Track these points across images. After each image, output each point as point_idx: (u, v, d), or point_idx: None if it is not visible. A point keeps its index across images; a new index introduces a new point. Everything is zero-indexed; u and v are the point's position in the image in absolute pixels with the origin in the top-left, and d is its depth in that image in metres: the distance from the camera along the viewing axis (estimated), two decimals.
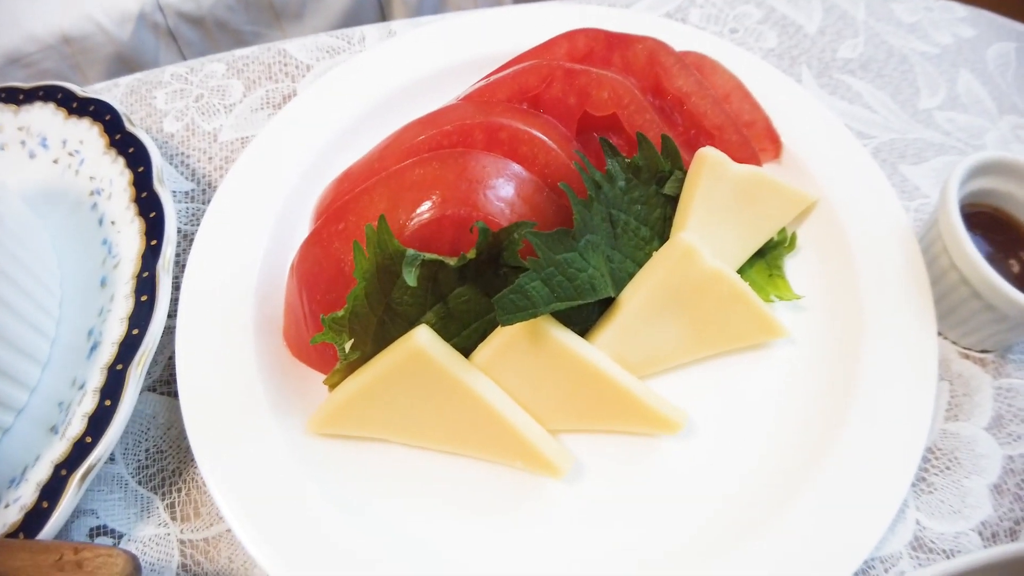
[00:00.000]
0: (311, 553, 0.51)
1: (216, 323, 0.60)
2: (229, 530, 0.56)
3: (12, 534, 0.54)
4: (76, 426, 0.57)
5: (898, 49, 0.79)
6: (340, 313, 0.53)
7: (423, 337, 0.52)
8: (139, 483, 0.59)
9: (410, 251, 0.52)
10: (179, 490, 0.58)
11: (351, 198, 0.56)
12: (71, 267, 0.67)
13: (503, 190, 0.55)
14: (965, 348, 0.63)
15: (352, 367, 0.55)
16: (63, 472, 0.55)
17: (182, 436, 0.60)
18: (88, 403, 0.57)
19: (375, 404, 0.55)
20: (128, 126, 0.68)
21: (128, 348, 0.58)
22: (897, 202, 0.64)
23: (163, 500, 0.58)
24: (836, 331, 0.61)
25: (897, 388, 0.57)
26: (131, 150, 0.67)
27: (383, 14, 1.46)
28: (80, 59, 1.38)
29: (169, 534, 0.57)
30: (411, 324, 0.54)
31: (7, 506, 0.56)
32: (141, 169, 0.66)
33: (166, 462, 0.59)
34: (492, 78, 0.61)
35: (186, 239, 0.67)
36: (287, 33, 1.42)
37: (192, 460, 0.59)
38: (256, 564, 0.54)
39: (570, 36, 0.62)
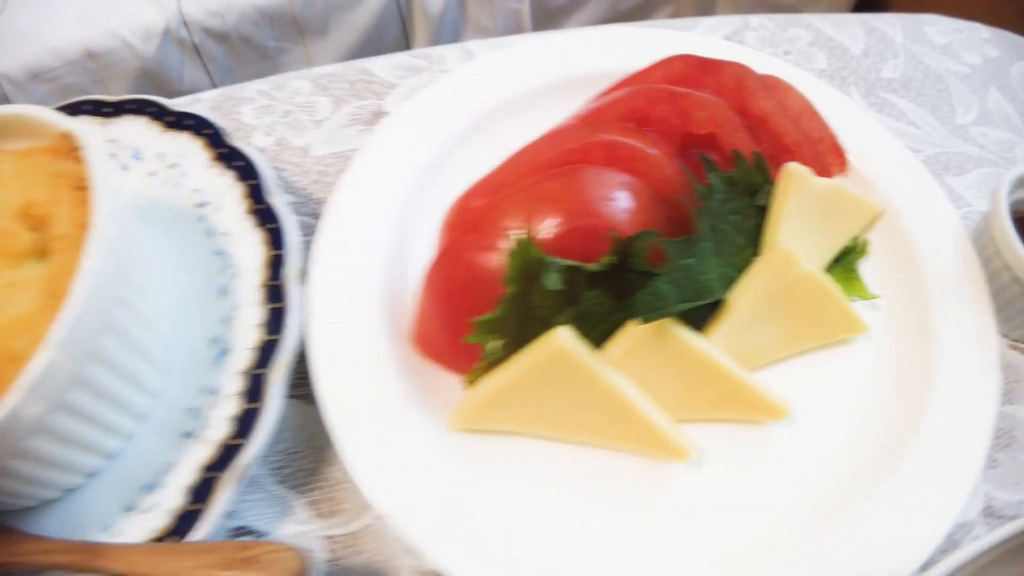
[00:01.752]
0: (470, 540, 0.52)
1: (347, 328, 0.61)
2: (370, 525, 0.57)
3: (161, 538, 0.55)
4: (220, 429, 0.57)
5: (934, 69, 0.85)
6: (492, 316, 0.55)
7: (565, 336, 0.55)
8: (277, 483, 0.59)
9: (552, 258, 0.54)
10: (318, 488, 0.59)
11: (484, 211, 0.58)
12: (181, 277, 0.67)
13: (626, 202, 0.58)
14: (1014, 340, 0.68)
15: (491, 366, 0.57)
16: (211, 474, 0.56)
17: (315, 436, 0.61)
18: (228, 407, 0.58)
19: (516, 400, 0.57)
20: (231, 140, 0.69)
21: (266, 353, 0.59)
22: (952, 210, 0.69)
23: (302, 498, 0.59)
24: (908, 327, 0.66)
25: (966, 376, 0.62)
26: (238, 163, 0.68)
27: (405, 31, 1.47)
28: (104, 74, 1.36)
29: (311, 531, 0.58)
30: (546, 325, 0.56)
31: (146, 512, 0.56)
32: (253, 182, 0.66)
33: (302, 462, 0.60)
34: (605, 99, 0.64)
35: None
36: (311, 49, 1.43)
37: (327, 459, 0.60)
38: (401, 556, 0.56)
39: (668, 62, 0.65)
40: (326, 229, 0.65)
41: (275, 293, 0.62)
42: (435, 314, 0.59)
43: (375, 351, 0.61)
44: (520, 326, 0.56)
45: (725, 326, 0.60)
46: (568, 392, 0.56)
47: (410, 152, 0.69)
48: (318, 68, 0.79)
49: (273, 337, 0.60)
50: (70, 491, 0.59)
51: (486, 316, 0.55)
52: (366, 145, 0.68)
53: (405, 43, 1.44)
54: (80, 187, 0.57)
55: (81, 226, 0.55)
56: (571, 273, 0.56)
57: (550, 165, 0.59)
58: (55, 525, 0.57)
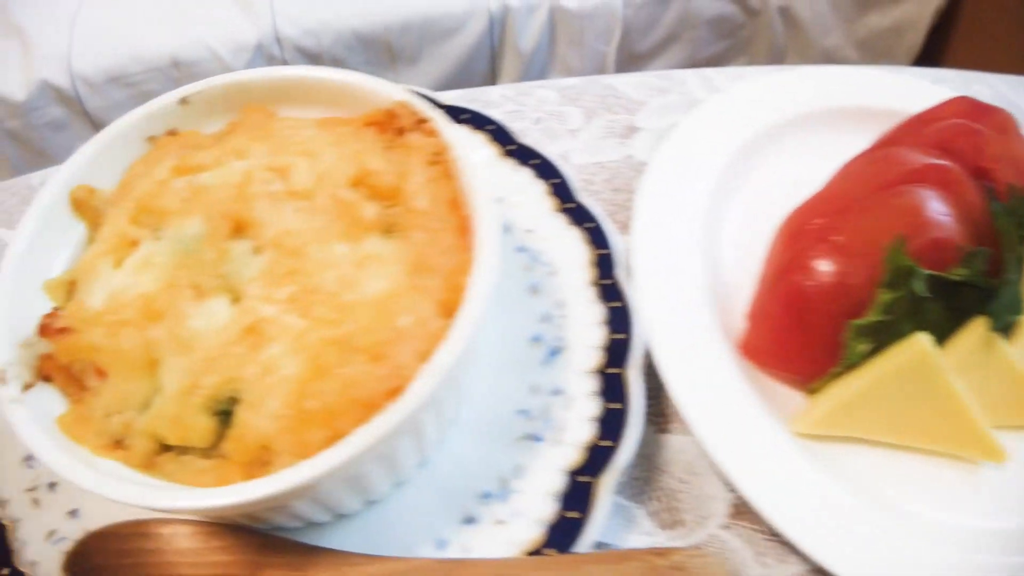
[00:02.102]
0: (840, 537, 0.51)
1: (681, 329, 0.59)
2: (715, 535, 0.55)
3: (536, 551, 0.50)
4: (580, 431, 0.54)
5: None
6: (866, 320, 0.54)
7: (926, 342, 0.55)
8: (615, 493, 0.56)
9: (919, 268, 0.55)
10: (655, 498, 0.56)
11: (828, 227, 0.59)
12: None
13: (964, 221, 0.59)
14: None
15: (843, 373, 0.57)
16: (582, 479, 0.52)
17: (646, 444, 0.58)
18: (586, 407, 0.54)
19: (868, 404, 0.56)
20: (520, 137, 0.66)
21: (616, 352, 0.56)
22: None
23: (642, 508, 0.56)
24: None
25: None
26: (533, 161, 0.66)
27: (493, 66, 1.48)
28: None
29: (657, 542, 0.54)
30: (894, 332, 0.56)
31: (502, 523, 0.52)
32: (557, 181, 0.64)
33: (635, 471, 0.57)
34: (913, 129, 0.66)
35: None
36: (400, 76, 1.40)
37: (658, 466, 0.57)
38: (751, 565, 0.53)
39: (953, 102, 0.68)
40: (640, 233, 0.63)
41: (609, 292, 0.59)
42: (781, 321, 0.58)
43: (713, 353, 0.59)
44: (887, 331, 0.56)
45: None
46: (917, 397, 0.55)
47: (700, 165, 0.68)
48: (560, 80, 0.78)
49: (620, 336, 0.57)
50: (370, 503, 0.54)
51: (862, 320, 0.55)
52: (656, 158, 0.67)
53: (492, 77, 1.44)
54: (435, 161, 0.53)
55: (445, 204, 0.52)
56: (931, 282, 0.56)
57: (888, 185, 0.60)
58: (357, 541, 0.51)
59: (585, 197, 0.63)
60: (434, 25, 1.36)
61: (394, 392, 0.43)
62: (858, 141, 0.70)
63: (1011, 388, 0.59)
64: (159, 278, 0.49)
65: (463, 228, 0.51)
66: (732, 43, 1.46)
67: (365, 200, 0.51)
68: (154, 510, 0.43)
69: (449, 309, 0.47)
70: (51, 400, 0.48)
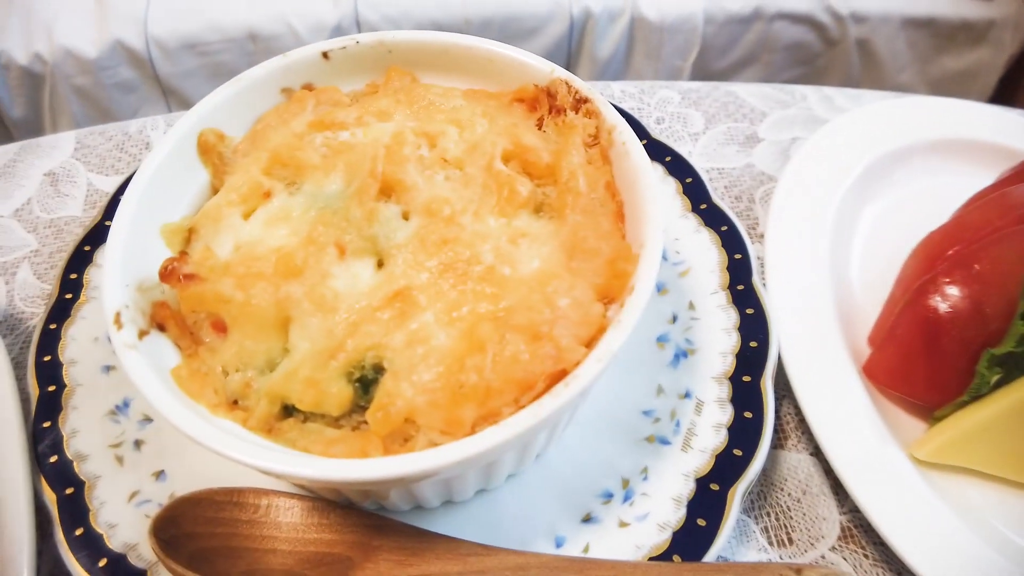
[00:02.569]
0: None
1: (809, 342, 0.56)
2: (823, 557, 0.51)
3: (661, 556, 0.47)
4: (711, 437, 0.50)
5: None
6: (1002, 348, 0.52)
7: None
8: None
9: None
10: (769, 514, 0.53)
11: (967, 251, 0.56)
12: None
13: None
14: None
15: (970, 400, 0.54)
16: (713, 486, 0.49)
17: None
18: (717, 414, 0.51)
19: (992, 438, 0.53)
20: (651, 132, 0.64)
21: (749, 360, 0.53)
22: None
23: (757, 524, 0.52)
24: None
25: None
26: (666, 158, 0.63)
27: (568, 69, 1.45)
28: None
29: (768, 559, 0.51)
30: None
31: (623, 524, 0.48)
32: (689, 180, 0.61)
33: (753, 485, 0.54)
34: None
35: None
36: None
37: (774, 483, 0.54)
38: None
39: None
40: (773, 243, 0.60)
41: (742, 297, 0.56)
42: (910, 345, 0.55)
43: (842, 373, 0.56)
44: (1020, 363, 0.53)
45: None
46: None
47: (827, 184, 0.65)
48: (681, 83, 0.76)
49: (753, 343, 0.54)
50: (481, 492, 0.51)
51: (997, 349, 0.52)
52: (786, 172, 0.65)
53: None
54: (592, 143, 0.51)
55: (603, 187, 0.49)
56: None
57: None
58: (469, 530, 0.48)
59: (719, 199, 0.60)
60: (515, 23, 1.34)
61: (556, 376, 0.40)
62: (977, 173, 0.68)
63: None
64: (296, 233, 0.46)
65: (619, 213, 0.48)
66: (808, 70, 1.43)
67: (518, 176, 0.48)
68: (283, 477, 0.39)
69: (606, 295, 0.44)
70: (164, 351, 0.45)
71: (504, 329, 0.41)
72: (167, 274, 0.45)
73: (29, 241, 0.69)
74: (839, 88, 0.78)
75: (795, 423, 0.57)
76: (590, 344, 0.42)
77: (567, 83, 0.52)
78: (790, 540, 0.52)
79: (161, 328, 0.45)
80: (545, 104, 0.53)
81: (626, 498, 0.49)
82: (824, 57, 1.51)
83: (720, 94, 0.77)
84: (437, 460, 0.37)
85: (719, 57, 1.46)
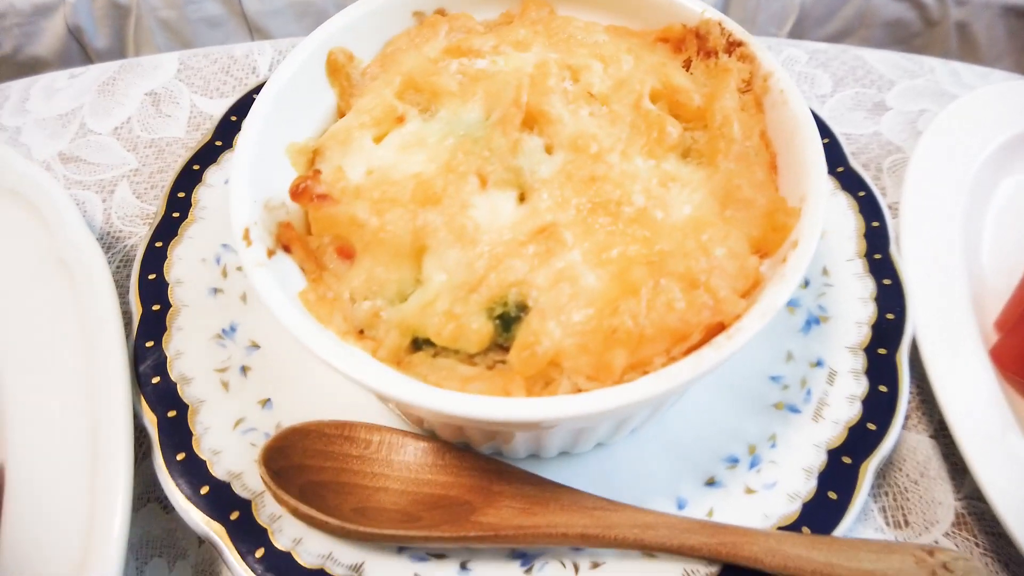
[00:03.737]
0: None
1: (944, 331, 0.52)
2: (938, 541, 0.48)
3: (790, 527, 0.44)
4: (843, 409, 0.47)
5: None
6: None
7: None
8: None
9: None
10: (886, 494, 0.49)
11: None
12: None
13: None
14: None
15: None
16: (845, 459, 0.45)
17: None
18: (850, 385, 0.48)
19: None
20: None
21: (885, 332, 0.49)
22: None
23: (876, 503, 0.49)
24: None
25: None
26: None
27: None
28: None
29: (885, 539, 0.48)
30: None
31: (749, 491, 0.45)
32: (826, 140, 0.57)
33: None
34: None
35: None
36: None
37: (896, 464, 0.51)
38: None
39: None
40: (909, 215, 0.56)
41: (879, 267, 0.52)
42: None
43: (972, 355, 0.51)
44: None
45: None
46: None
47: (961, 161, 0.61)
48: (809, 42, 0.71)
49: (890, 316, 0.50)
50: (602, 446, 0.48)
51: None
52: (920, 147, 0.60)
53: None
54: (744, 90, 0.47)
55: (757, 135, 0.45)
56: None
57: None
58: (584, 483, 0.45)
59: (857, 163, 0.55)
60: None
61: (713, 328, 0.37)
62: None
63: None
64: (434, 160, 0.43)
65: (772, 164, 0.44)
66: (904, 49, 1.36)
67: (668, 117, 0.45)
68: (422, 411, 0.37)
69: (761, 248, 0.41)
70: (290, 273, 0.42)
71: (658, 274, 0.38)
72: (299, 192, 0.42)
73: (128, 160, 0.67)
74: (967, 64, 0.73)
75: (916, 402, 0.53)
76: (744, 297, 0.38)
77: (720, 24, 0.48)
78: (906, 522, 0.50)
79: (286, 250, 0.43)
80: (693, 45, 0.49)
81: (752, 464, 0.47)
82: (922, 37, 1.44)
83: (848, 57, 0.72)
84: (589, 405, 0.35)
85: (815, 28, 1.39)
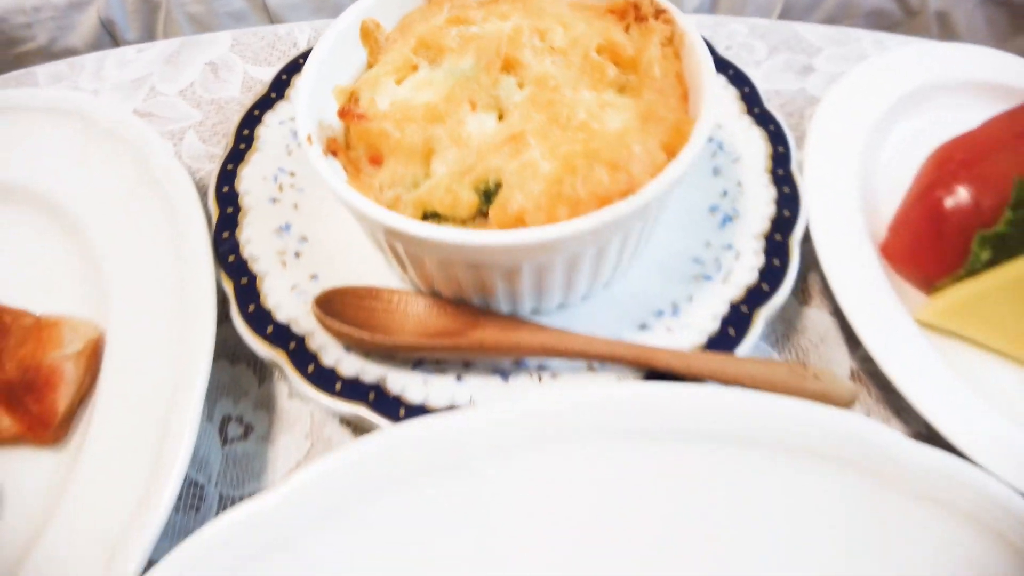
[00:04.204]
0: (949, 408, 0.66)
1: (835, 223, 0.76)
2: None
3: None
4: (746, 276, 0.70)
5: None
6: (994, 231, 0.70)
7: None
8: (762, 339, 0.73)
9: None
10: (789, 352, 0.73)
11: (972, 156, 0.75)
12: None
13: None
14: None
15: (967, 276, 0.72)
16: (743, 308, 0.69)
17: (789, 310, 0.74)
18: (752, 260, 0.71)
19: (981, 308, 0.71)
20: (716, 51, 0.84)
21: (782, 224, 0.73)
22: None
23: (780, 357, 0.72)
24: None
25: None
26: (729, 72, 0.83)
27: None
28: None
29: None
30: (1014, 246, 0.71)
31: (669, 330, 0.69)
32: (746, 89, 0.82)
33: (780, 329, 0.74)
34: None
35: None
36: None
37: (799, 331, 0.73)
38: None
39: None
40: (812, 143, 0.80)
41: (781, 180, 0.77)
42: (920, 228, 0.75)
43: (859, 247, 0.75)
44: (1008, 244, 0.72)
45: None
46: None
47: (866, 105, 0.84)
48: (750, 18, 0.96)
49: (787, 213, 0.75)
50: (562, 307, 0.71)
51: (989, 231, 0.71)
52: (830, 91, 0.83)
53: None
54: (667, 43, 0.72)
55: (673, 75, 0.70)
56: None
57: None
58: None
59: (770, 105, 0.80)
60: None
61: (626, 193, 0.61)
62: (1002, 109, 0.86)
63: None
64: (438, 94, 0.68)
65: (684, 96, 0.69)
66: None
67: (608, 63, 0.70)
68: (430, 243, 0.60)
69: (670, 150, 0.64)
70: (337, 169, 0.67)
71: (592, 161, 0.62)
72: (345, 113, 0.67)
73: (193, 114, 0.93)
74: (891, 33, 0.97)
75: (820, 288, 0.77)
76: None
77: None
78: None
79: (333, 154, 0.68)
80: (632, 14, 0.74)
81: (673, 313, 0.68)
82: (904, 26, 1.68)
83: (784, 30, 0.97)
84: (540, 234, 0.59)
85: (800, 18, 1.64)
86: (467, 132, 0.63)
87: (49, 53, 1.55)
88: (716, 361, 0.62)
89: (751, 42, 0.93)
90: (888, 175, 0.80)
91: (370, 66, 0.73)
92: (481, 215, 0.62)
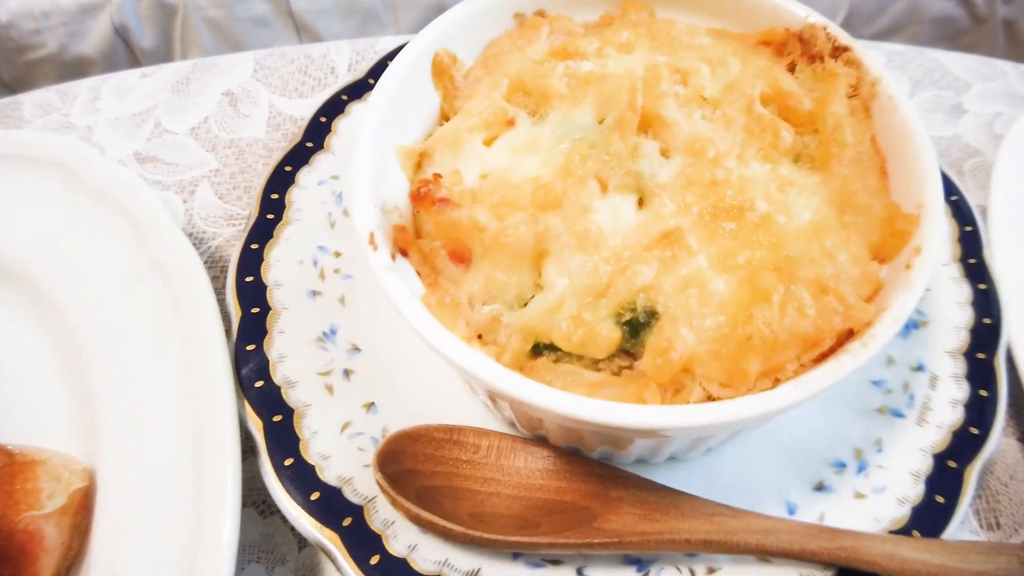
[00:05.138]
0: None
1: None
2: None
3: (900, 531, 0.44)
4: (948, 414, 0.48)
5: None
6: None
7: None
8: None
9: None
10: (979, 497, 0.50)
11: None
12: None
13: None
14: None
15: None
16: (951, 463, 0.46)
17: None
18: (953, 390, 0.48)
19: None
20: None
21: (983, 336, 0.50)
22: None
23: (970, 506, 0.50)
24: None
25: None
26: None
27: None
28: (399, 3, 1.23)
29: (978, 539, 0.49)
30: None
31: (859, 496, 0.46)
32: None
33: None
34: None
35: None
36: None
37: (987, 466, 0.51)
38: None
39: None
40: (997, 219, 0.56)
41: (974, 272, 0.53)
42: None
43: None
44: None
45: None
46: None
47: None
48: (887, 44, 0.73)
49: (987, 320, 0.51)
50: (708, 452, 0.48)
51: None
52: (1005, 147, 0.61)
53: None
54: (853, 95, 0.47)
55: (868, 140, 0.45)
56: None
57: None
58: (694, 487, 0.45)
59: (945, 166, 0.56)
60: None
61: (843, 335, 0.38)
62: None
63: None
64: (549, 164, 0.44)
65: (883, 170, 0.45)
66: (952, 46, 1.37)
67: (780, 121, 0.45)
68: (558, 417, 0.37)
69: (880, 254, 0.41)
70: (410, 277, 0.43)
71: (788, 280, 0.39)
72: (420, 197, 0.43)
73: (208, 160, 0.68)
74: None
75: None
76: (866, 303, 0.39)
77: (825, 29, 0.48)
78: (998, 524, 0.50)
79: (403, 254, 0.43)
80: (797, 49, 0.49)
81: (860, 469, 0.47)
82: (970, 34, 1.44)
83: (924, 59, 0.73)
84: (736, 412, 0.35)
85: (865, 24, 1.40)
86: (597, 225, 0.40)
87: (60, 61, 1.30)
88: (933, 553, 0.40)
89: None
90: None
91: (444, 115, 0.48)
92: (622, 352, 0.38)
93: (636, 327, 0.39)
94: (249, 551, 0.48)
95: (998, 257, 0.54)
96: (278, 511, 0.48)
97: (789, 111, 0.46)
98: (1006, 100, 0.71)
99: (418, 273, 0.43)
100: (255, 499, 0.50)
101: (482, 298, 0.42)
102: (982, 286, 0.52)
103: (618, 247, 0.41)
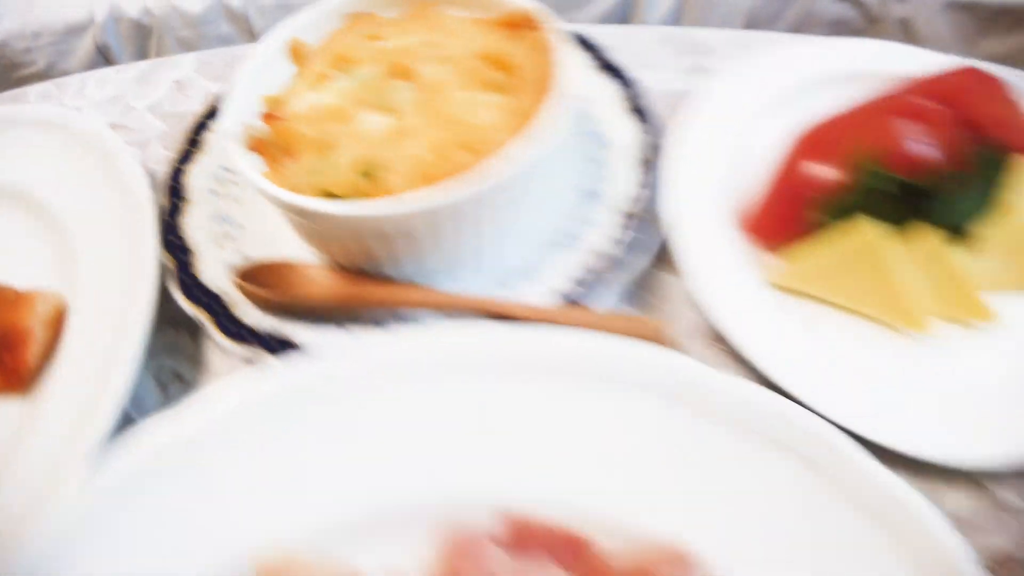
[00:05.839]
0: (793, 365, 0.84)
1: (695, 204, 0.94)
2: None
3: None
4: (604, 246, 0.90)
5: None
6: (835, 199, 0.89)
7: (871, 225, 0.87)
8: (622, 302, 0.92)
9: (882, 169, 0.88)
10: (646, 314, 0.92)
11: (830, 139, 0.93)
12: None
13: (938, 150, 0.91)
14: None
15: (812, 240, 0.90)
16: (598, 273, 0.88)
17: (648, 277, 0.93)
18: (612, 232, 0.91)
19: (824, 271, 0.88)
20: (608, 56, 1.04)
21: (644, 203, 0.93)
22: None
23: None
24: None
25: None
26: (614, 74, 1.03)
27: None
28: None
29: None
30: (851, 214, 0.88)
31: (528, 292, 0.89)
32: (632, 90, 1.02)
33: (638, 294, 0.93)
34: (930, 86, 0.99)
35: None
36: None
37: (658, 296, 0.92)
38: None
39: (964, 69, 1.01)
40: (681, 131, 1.00)
41: (651, 166, 0.96)
42: (775, 201, 0.93)
43: (718, 221, 0.93)
44: (846, 213, 0.90)
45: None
46: (860, 267, 0.86)
47: (739, 99, 1.04)
48: (664, 27, 1.17)
49: (649, 193, 0.94)
50: (440, 273, 0.90)
51: (829, 201, 0.89)
52: (707, 88, 1.04)
53: None
54: (542, 50, 0.92)
55: (545, 78, 0.90)
56: (886, 179, 0.89)
57: (884, 115, 0.94)
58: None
59: (648, 103, 1.00)
60: None
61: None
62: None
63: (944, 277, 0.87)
64: (344, 98, 0.89)
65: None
66: None
67: (492, 69, 0.90)
68: (323, 216, 0.81)
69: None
70: (258, 163, 0.88)
71: (460, 148, 0.82)
72: (267, 117, 0.89)
73: (159, 126, 1.16)
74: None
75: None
76: None
77: (527, 12, 0.93)
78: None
79: (256, 151, 0.89)
80: (514, 25, 0.95)
81: (533, 277, 0.88)
82: (866, 34, 1.85)
83: (689, 36, 1.17)
84: (409, 203, 0.79)
85: (766, 27, 1.82)
86: (365, 129, 0.84)
87: (47, 77, 1.80)
88: (563, 314, 0.82)
89: (659, 48, 1.13)
90: (765, 164, 0.98)
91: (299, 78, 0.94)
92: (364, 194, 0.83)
93: (372, 177, 0.84)
94: (163, 349, 0.92)
95: (669, 152, 0.97)
96: (184, 326, 0.94)
97: (502, 63, 0.91)
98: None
99: (267, 164, 0.89)
100: (168, 319, 0.95)
101: (298, 174, 0.88)
102: (653, 176, 0.95)
103: (374, 138, 0.86)
